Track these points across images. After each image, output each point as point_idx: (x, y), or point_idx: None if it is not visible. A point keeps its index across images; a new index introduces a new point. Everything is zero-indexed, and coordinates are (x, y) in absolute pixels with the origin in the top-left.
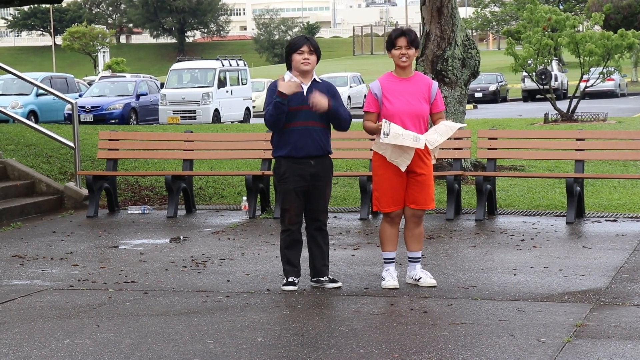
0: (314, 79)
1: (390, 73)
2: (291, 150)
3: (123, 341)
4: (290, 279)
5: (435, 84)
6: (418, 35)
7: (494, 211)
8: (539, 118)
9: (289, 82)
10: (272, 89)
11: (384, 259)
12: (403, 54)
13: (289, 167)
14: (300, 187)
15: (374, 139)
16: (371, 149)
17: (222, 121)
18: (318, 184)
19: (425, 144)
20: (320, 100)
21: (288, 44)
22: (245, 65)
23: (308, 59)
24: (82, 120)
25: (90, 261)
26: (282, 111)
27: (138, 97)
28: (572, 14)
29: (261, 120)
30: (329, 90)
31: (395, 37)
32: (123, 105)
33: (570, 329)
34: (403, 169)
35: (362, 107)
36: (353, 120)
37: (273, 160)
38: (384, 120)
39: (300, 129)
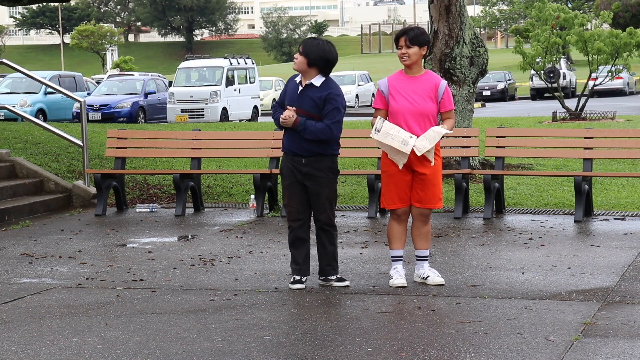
0: (311, 82)
1: (400, 71)
2: (284, 148)
3: (131, 339)
4: (297, 278)
5: (443, 82)
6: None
7: (502, 209)
8: (547, 116)
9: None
10: (287, 84)
11: (392, 256)
12: (403, 53)
13: (285, 164)
14: (294, 183)
15: None
16: (379, 147)
17: (230, 120)
18: (311, 184)
19: (413, 150)
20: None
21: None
22: (253, 63)
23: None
24: (90, 118)
25: (99, 259)
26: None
27: (146, 95)
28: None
29: (269, 119)
30: (322, 97)
31: (396, 37)
32: (131, 103)
33: (578, 327)
34: (400, 167)
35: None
36: (361, 118)
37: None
38: (379, 117)
39: (290, 129)
